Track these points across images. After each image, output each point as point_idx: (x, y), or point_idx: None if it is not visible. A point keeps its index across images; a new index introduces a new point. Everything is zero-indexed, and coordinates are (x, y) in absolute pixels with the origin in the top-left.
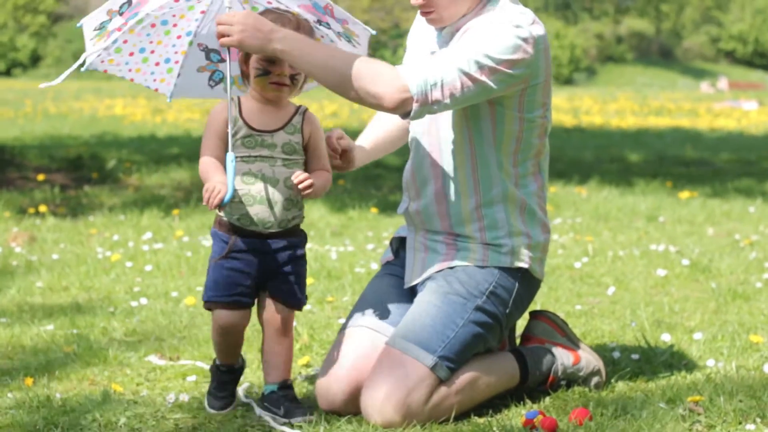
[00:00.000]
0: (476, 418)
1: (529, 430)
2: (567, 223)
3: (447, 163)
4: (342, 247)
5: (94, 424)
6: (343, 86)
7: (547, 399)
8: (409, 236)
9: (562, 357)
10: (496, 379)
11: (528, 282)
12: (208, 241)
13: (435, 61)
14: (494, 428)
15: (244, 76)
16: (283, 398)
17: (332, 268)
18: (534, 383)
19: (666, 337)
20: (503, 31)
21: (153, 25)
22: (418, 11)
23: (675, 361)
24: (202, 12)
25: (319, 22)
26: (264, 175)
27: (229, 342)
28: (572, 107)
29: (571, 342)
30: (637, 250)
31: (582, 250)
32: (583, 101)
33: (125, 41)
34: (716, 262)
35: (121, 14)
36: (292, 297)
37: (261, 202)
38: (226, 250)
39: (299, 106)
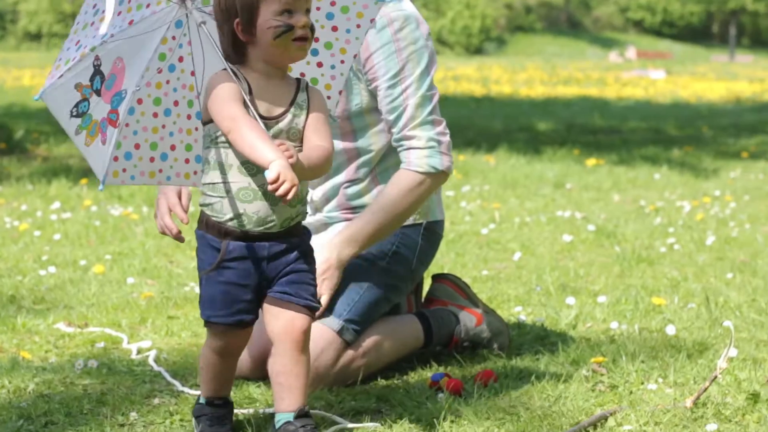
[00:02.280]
0: (383, 380)
1: (435, 392)
2: (475, 191)
3: (341, 153)
4: None
5: (3, 390)
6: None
7: (453, 361)
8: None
9: (465, 319)
10: (401, 342)
11: (430, 235)
12: (116, 210)
13: (411, 131)
14: (401, 390)
15: (240, 46)
16: (302, 430)
17: None
18: (438, 344)
19: (570, 301)
20: (417, 52)
21: (155, 115)
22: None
23: (579, 324)
24: (192, 73)
25: None
26: None
27: (227, 365)
28: (482, 77)
29: (474, 304)
30: (543, 217)
31: (489, 217)
32: (492, 71)
33: (137, 146)
34: (621, 228)
35: (98, 93)
36: (309, 299)
37: (262, 197)
38: (218, 259)
39: (298, 79)
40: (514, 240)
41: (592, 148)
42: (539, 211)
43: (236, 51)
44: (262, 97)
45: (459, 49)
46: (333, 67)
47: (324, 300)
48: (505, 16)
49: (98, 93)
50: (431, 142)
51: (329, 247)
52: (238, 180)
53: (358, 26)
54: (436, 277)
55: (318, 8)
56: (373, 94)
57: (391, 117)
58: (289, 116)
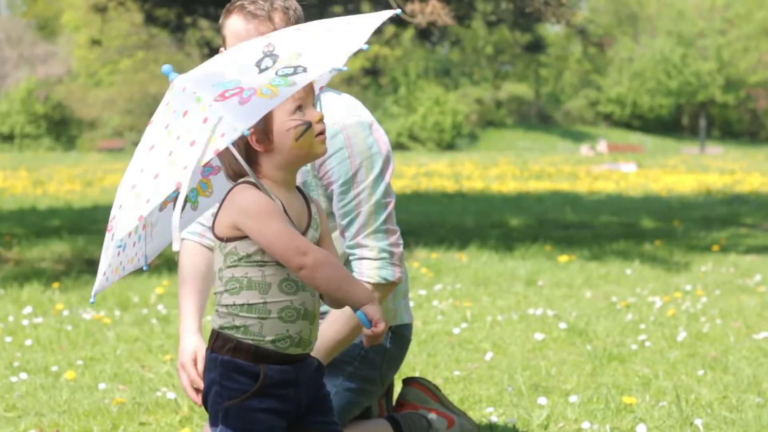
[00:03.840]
0: None
1: None
2: (447, 289)
3: None
4: None
5: None
6: None
7: None
8: None
9: (437, 422)
10: None
11: (398, 339)
12: (88, 314)
13: (364, 239)
14: None
15: (253, 157)
16: None
17: None
18: None
19: (542, 401)
20: (371, 158)
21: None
22: None
23: (551, 424)
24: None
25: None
26: (303, 283)
27: None
28: (454, 173)
29: (445, 407)
30: (515, 315)
31: (461, 316)
32: (464, 166)
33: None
34: (593, 325)
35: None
36: (335, 426)
37: (305, 316)
38: (257, 386)
39: (301, 190)
40: (485, 339)
41: (563, 243)
42: (511, 309)
43: (249, 163)
44: (292, 212)
45: (431, 145)
46: None
47: None
48: (476, 111)
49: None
50: (383, 254)
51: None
52: (280, 299)
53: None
54: (406, 381)
55: None
56: (330, 199)
57: (344, 222)
58: (311, 232)
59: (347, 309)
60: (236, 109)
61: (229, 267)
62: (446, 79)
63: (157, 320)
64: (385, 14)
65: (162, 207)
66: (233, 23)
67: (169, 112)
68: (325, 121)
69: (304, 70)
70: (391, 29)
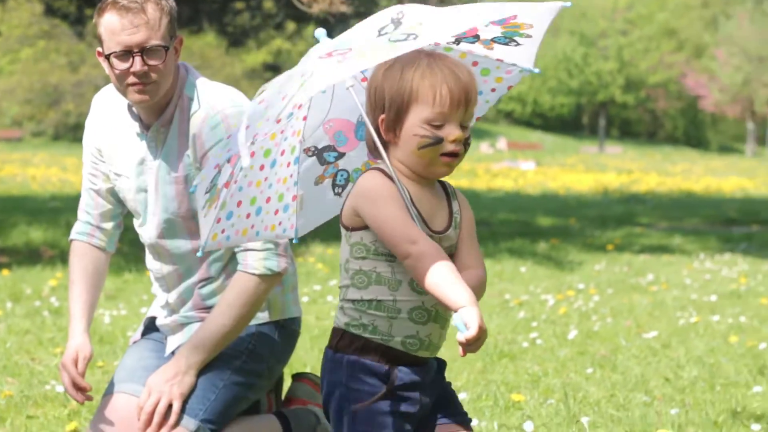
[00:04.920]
0: None
1: None
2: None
3: (191, 252)
4: (116, 310)
5: None
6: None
7: None
8: (162, 317)
9: (325, 418)
10: None
11: (286, 332)
12: None
13: None
14: None
15: (376, 149)
16: None
17: (105, 332)
18: None
19: None
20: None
21: (262, 167)
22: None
23: None
24: (304, 118)
25: (458, 40)
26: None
27: None
28: None
29: None
30: None
31: None
32: None
33: (239, 203)
34: (486, 322)
35: (228, 160)
36: (465, 416)
37: (436, 319)
38: (387, 388)
39: (445, 184)
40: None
41: None
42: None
43: (374, 150)
44: (423, 205)
45: None
46: None
47: (176, 406)
48: None
49: (228, 160)
50: (268, 244)
51: (178, 355)
52: (411, 298)
53: (493, 90)
54: (295, 377)
55: None
56: None
57: None
58: (451, 230)
59: (233, 302)
60: (329, 67)
61: (357, 259)
62: None
63: (49, 313)
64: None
65: (317, 181)
66: (108, 20)
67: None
68: (206, 110)
69: (415, 37)
70: (292, 24)
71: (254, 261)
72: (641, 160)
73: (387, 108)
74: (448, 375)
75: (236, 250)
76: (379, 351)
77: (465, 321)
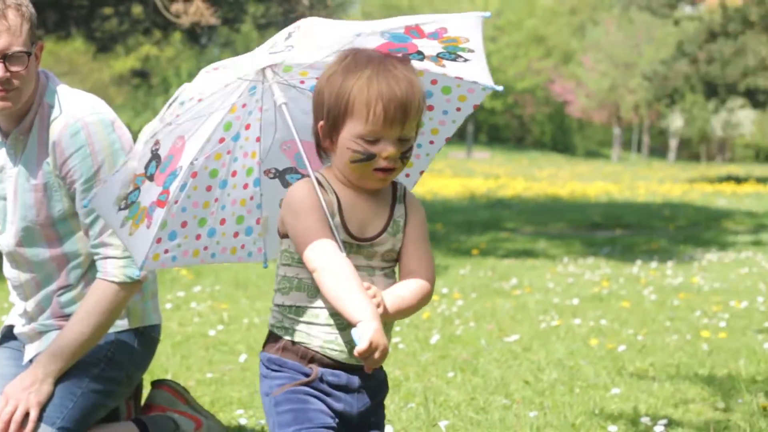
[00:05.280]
0: None
1: None
2: (206, 291)
3: (49, 261)
4: None
5: None
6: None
7: None
8: (20, 325)
9: (184, 424)
10: None
11: (145, 339)
12: None
13: (108, 238)
14: None
15: (323, 151)
16: None
17: None
18: None
19: None
20: (113, 154)
21: (209, 188)
22: None
23: None
24: (257, 139)
25: (406, 55)
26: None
27: None
28: None
29: (193, 409)
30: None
31: (218, 318)
32: None
33: (183, 223)
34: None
35: (150, 178)
36: None
37: None
38: (310, 378)
39: (396, 185)
40: (241, 341)
41: None
42: (269, 311)
43: (318, 151)
44: (354, 213)
45: None
46: (420, 146)
47: (33, 414)
48: None
49: (151, 178)
50: (128, 252)
51: (35, 363)
52: (329, 305)
53: (458, 110)
54: (155, 384)
55: None
56: (74, 199)
57: (87, 221)
58: (385, 236)
59: (92, 310)
60: (203, 78)
61: (283, 265)
62: None
63: None
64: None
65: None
66: None
67: None
68: (66, 118)
69: (290, 48)
70: (158, 32)
71: (114, 269)
72: (508, 165)
73: (325, 116)
74: None
75: (95, 257)
76: (300, 353)
77: (359, 335)
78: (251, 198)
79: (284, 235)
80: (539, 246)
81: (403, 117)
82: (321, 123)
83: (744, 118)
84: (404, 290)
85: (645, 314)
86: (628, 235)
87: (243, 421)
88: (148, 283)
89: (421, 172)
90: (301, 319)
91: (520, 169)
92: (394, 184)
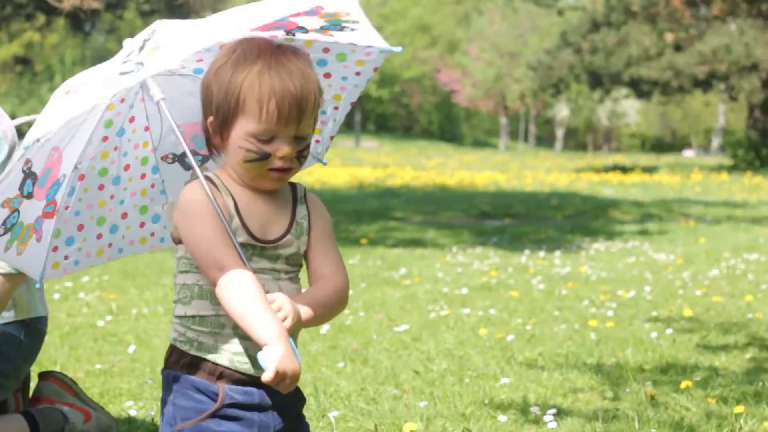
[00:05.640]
0: None
1: None
2: (94, 281)
3: None
4: None
5: None
6: None
7: None
8: None
9: (73, 416)
10: None
11: (32, 331)
12: None
13: None
14: None
15: (214, 149)
16: None
17: None
18: None
19: None
20: None
21: (101, 187)
22: None
23: None
24: (146, 128)
25: (289, 32)
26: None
27: None
28: None
29: (82, 401)
30: (161, 308)
31: (107, 308)
32: None
33: (80, 227)
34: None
35: (29, 196)
36: None
37: None
38: (216, 406)
39: (295, 186)
40: (130, 332)
41: None
42: (158, 301)
43: (209, 148)
44: (253, 214)
45: None
46: (324, 112)
47: None
48: None
49: (29, 196)
50: None
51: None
52: None
53: (358, 74)
54: (42, 375)
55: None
56: None
57: None
58: (289, 238)
59: None
60: (51, 109)
61: (181, 273)
62: None
63: None
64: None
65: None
66: None
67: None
68: None
69: (140, 67)
70: (42, 17)
71: None
72: (396, 154)
73: (214, 112)
74: None
75: None
76: (207, 368)
77: (264, 361)
78: (152, 186)
79: (179, 241)
80: (428, 235)
81: (298, 114)
82: (210, 119)
83: (629, 107)
84: (321, 295)
85: (533, 304)
86: (516, 224)
87: (132, 413)
88: None
89: (332, 137)
90: (205, 329)
91: (408, 159)
92: (293, 185)
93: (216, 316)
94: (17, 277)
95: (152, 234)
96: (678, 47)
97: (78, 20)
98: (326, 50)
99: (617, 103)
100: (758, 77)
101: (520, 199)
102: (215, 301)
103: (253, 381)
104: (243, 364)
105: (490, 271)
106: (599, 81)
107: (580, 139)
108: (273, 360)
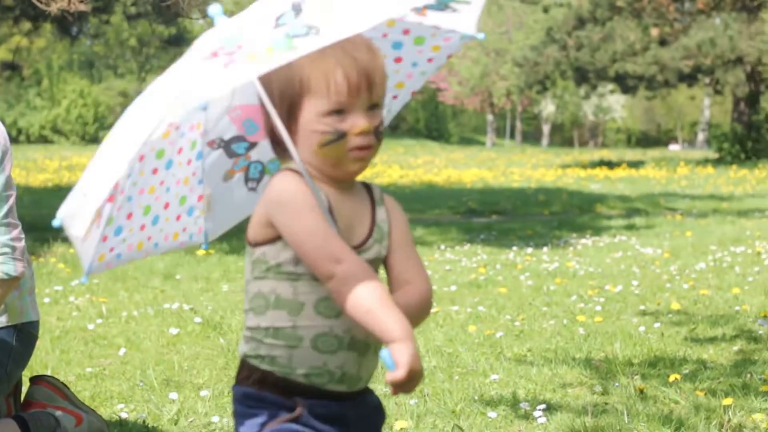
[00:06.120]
0: None
1: None
2: (84, 285)
3: None
4: None
5: None
6: None
7: None
8: None
9: (65, 420)
10: None
11: (24, 336)
12: None
13: None
14: None
15: (281, 147)
16: None
17: None
18: None
19: (174, 396)
20: None
21: (155, 171)
22: None
23: (181, 419)
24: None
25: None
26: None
27: None
28: None
29: (73, 405)
30: (151, 310)
31: (97, 312)
32: None
33: (129, 215)
34: (228, 319)
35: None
36: None
37: (351, 346)
38: (295, 413)
39: (371, 187)
40: (120, 335)
41: None
42: (147, 303)
43: (276, 148)
44: (341, 215)
45: (74, 138)
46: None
47: None
48: (121, 104)
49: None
50: (5, 248)
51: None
52: (315, 323)
53: (430, 60)
54: (33, 379)
55: (385, 35)
56: None
57: None
58: (371, 242)
59: None
60: (215, 73)
61: (256, 279)
62: (91, 71)
63: None
64: None
65: (226, 177)
66: None
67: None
68: None
69: (316, 32)
70: (29, 21)
71: None
72: (384, 153)
73: (278, 102)
74: (190, 372)
75: None
76: (279, 385)
77: (395, 359)
78: (194, 174)
79: (259, 242)
80: (416, 233)
81: (368, 82)
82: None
83: (615, 102)
84: (409, 302)
85: (522, 300)
86: (503, 221)
87: (124, 415)
88: (26, 279)
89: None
90: (280, 342)
91: (395, 157)
92: (368, 186)
93: (293, 327)
94: (9, 282)
95: (184, 229)
96: (663, 42)
97: (65, 24)
98: (406, 31)
99: (603, 98)
100: (743, 70)
101: (507, 196)
102: (293, 311)
103: (331, 397)
104: (321, 380)
105: (479, 267)
106: (585, 77)
107: (566, 134)
108: (406, 358)
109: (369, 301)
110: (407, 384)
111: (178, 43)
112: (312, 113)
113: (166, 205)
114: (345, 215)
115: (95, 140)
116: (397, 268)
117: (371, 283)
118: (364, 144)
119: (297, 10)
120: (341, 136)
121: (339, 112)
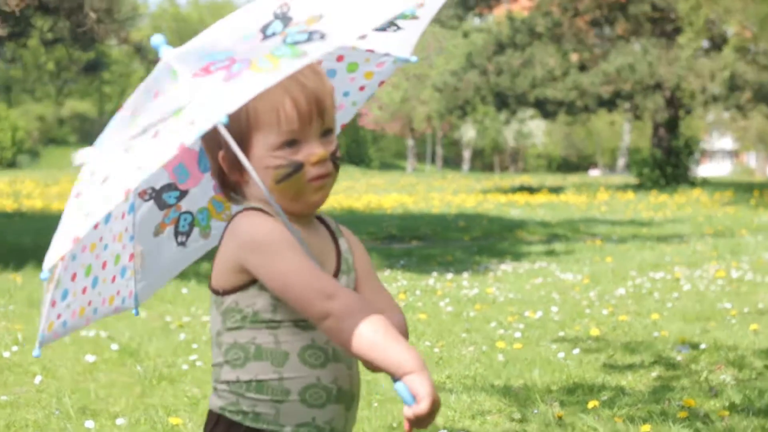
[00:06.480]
0: None
1: None
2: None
3: None
4: None
5: None
6: None
7: None
8: None
9: None
10: None
11: None
12: None
13: None
14: None
15: (230, 189)
16: None
17: None
18: None
19: (90, 424)
20: None
21: (96, 225)
22: None
23: None
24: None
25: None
26: (335, 352)
27: None
28: (14, 191)
29: None
30: (67, 338)
31: (12, 339)
32: (24, 184)
33: (73, 276)
34: (145, 346)
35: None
36: None
37: (338, 398)
38: None
39: (326, 221)
40: (35, 363)
41: None
42: None
43: (226, 193)
44: (312, 248)
45: None
46: None
47: None
48: (38, 128)
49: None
50: None
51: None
52: (302, 374)
53: (362, 88)
54: None
55: (320, 62)
56: None
57: None
58: (340, 275)
59: None
60: (217, 88)
61: (230, 330)
62: (8, 95)
63: None
64: None
65: (157, 231)
66: None
67: (141, 94)
68: None
69: (321, 36)
70: None
71: None
72: None
73: (224, 142)
74: (107, 401)
75: None
76: None
77: (414, 391)
78: (126, 229)
79: (228, 291)
80: None
81: (319, 110)
82: (221, 154)
83: (535, 128)
84: (398, 324)
85: (442, 326)
86: (424, 246)
87: None
88: None
89: None
90: (265, 397)
91: None
92: (321, 218)
93: (279, 380)
94: None
95: (118, 292)
96: (583, 67)
97: None
98: (340, 58)
99: (523, 123)
100: (662, 96)
101: (428, 222)
102: (277, 361)
103: None
104: None
105: (399, 294)
106: (505, 102)
107: (487, 160)
108: (426, 389)
109: (374, 335)
110: (429, 417)
111: (93, 69)
112: (263, 148)
113: (104, 265)
114: (315, 251)
115: (12, 165)
116: (369, 298)
117: (371, 315)
118: (323, 173)
119: (284, 18)
120: (298, 167)
121: (292, 143)
